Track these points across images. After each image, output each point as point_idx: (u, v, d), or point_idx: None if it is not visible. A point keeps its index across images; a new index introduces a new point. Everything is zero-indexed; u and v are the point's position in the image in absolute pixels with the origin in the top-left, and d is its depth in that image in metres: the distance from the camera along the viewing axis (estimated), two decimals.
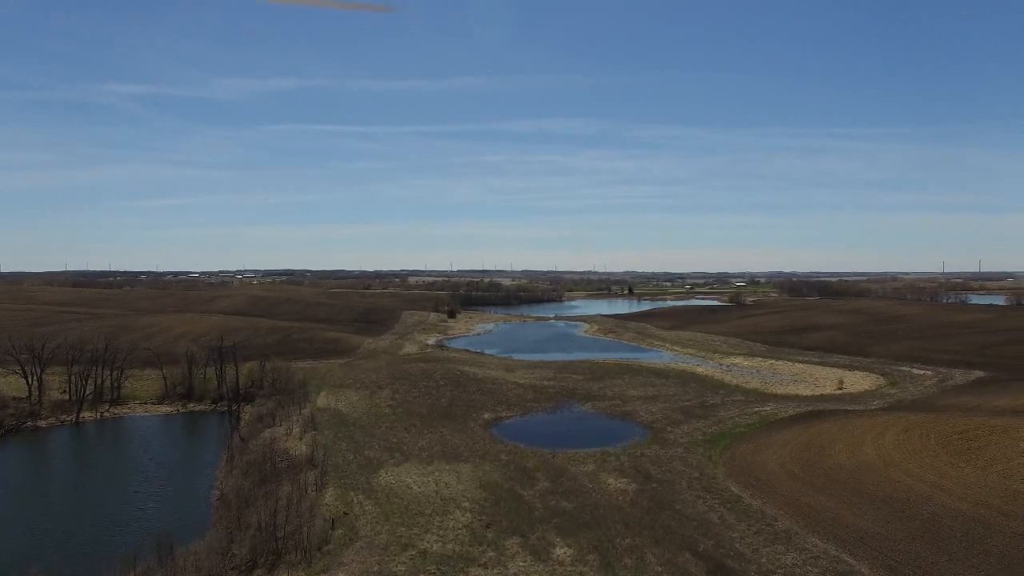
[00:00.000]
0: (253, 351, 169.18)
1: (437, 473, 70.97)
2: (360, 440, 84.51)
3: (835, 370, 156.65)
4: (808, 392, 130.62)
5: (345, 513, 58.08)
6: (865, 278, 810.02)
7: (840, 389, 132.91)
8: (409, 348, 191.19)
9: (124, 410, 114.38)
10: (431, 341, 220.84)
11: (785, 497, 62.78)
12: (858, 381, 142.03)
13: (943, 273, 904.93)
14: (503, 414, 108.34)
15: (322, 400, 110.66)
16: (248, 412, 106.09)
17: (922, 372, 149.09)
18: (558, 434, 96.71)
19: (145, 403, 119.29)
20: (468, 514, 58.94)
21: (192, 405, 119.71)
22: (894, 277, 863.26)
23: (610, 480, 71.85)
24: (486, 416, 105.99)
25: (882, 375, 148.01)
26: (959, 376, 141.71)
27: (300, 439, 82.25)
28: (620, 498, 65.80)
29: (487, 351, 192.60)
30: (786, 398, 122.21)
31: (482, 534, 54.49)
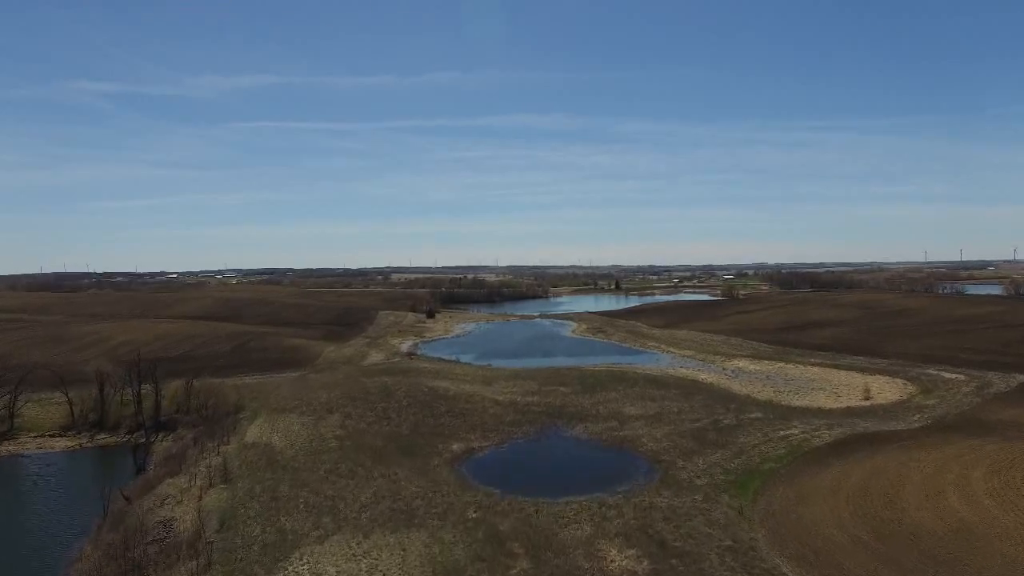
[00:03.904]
0: (198, 363, 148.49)
1: (375, 552, 51.48)
2: (283, 495, 64.72)
3: (853, 374, 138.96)
4: (833, 404, 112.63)
5: None
6: (851, 268, 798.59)
7: (868, 399, 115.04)
8: (375, 357, 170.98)
9: (12, 447, 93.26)
10: (404, 347, 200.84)
11: None
12: (884, 388, 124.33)
13: (927, 262, 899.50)
14: (476, 444, 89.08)
15: (255, 430, 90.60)
16: (161, 449, 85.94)
17: (953, 376, 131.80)
18: (543, 473, 77.77)
19: (44, 435, 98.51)
20: None
21: (102, 437, 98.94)
22: (880, 267, 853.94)
23: (612, 553, 52.97)
24: (455, 448, 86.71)
25: (909, 380, 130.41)
26: (998, 381, 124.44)
27: (199, 498, 62.23)
28: None
29: (463, 358, 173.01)
30: (810, 413, 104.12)
31: None
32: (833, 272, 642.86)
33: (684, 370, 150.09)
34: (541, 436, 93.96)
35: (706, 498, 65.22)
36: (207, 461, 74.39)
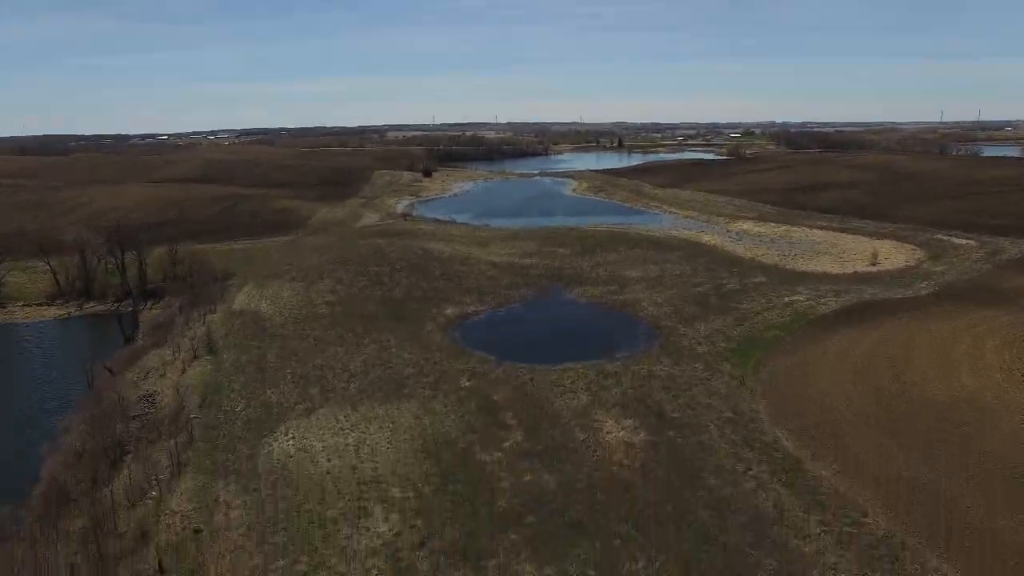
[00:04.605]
0: (185, 229, 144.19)
1: (364, 425, 50.00)
2: (270, 366, 62.88)
3: (861, 239, 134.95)
4: (838, 269, 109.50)
5: (197, 531, 37.30)
6: (863, 129, 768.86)
7: (875, 265, 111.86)
8: (369, 218, 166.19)
9: (1, 315, 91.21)
10: (400, 207, 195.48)
11: (871, 468, 42.62)
12: (892, 253, 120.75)
13: (942, 123, 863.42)
14: (471, 308, 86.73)
15: (243, 298, 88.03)
16: (149, 317, 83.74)
17: (964, 242, 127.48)
18: (540, 339, 75.89)
19: (32, 304, 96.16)
20: (395, 515, 38.45)
21: (91, 305, 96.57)
22: (893, 127, 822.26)
23: (609, 424, 51.58)
24: (449, 312, 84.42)
25: (918, 246, 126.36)
26: (1010, 247, 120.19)
27: (183, 371, 60.34)
28: (626, 462, 45.73)
29: (459, 218, 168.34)
30: (816, 278, 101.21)
31: (411, 566, 34.14)
32: (843, 132, 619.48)
33: (687, 232, 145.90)
34: (538, 300, 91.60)
35: (707, 367, 63.41)
36: (192, 331, 72.15)
